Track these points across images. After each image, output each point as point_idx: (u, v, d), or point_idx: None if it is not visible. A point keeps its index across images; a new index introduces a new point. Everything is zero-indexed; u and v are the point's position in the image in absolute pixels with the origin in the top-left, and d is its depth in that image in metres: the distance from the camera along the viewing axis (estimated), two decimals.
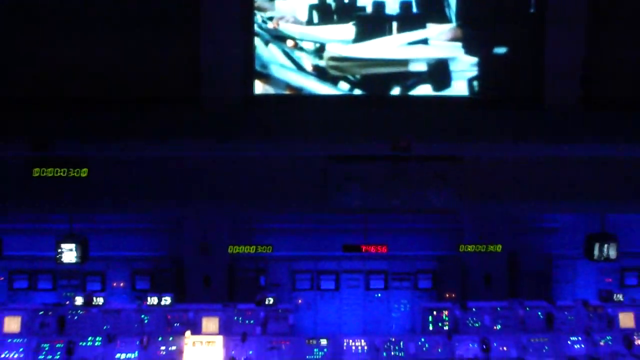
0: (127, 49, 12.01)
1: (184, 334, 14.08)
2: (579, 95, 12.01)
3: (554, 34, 12.09)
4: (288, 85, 13.06)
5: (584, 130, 11.84)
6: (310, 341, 14.08)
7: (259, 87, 13.02)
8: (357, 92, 13.00)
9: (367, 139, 11.40)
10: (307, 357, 13.73)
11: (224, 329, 14.64)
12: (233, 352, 13.67)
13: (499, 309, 15.49)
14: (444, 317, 15.29)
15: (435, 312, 15.40)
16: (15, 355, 13.67)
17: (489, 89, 12.92)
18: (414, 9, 12.75)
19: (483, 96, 12.87)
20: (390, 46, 12.72)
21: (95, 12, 12.04)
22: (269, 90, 12.95)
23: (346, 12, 12.62)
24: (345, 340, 14.13)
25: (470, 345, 14.20)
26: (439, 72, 12.92)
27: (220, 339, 13.99)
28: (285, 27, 12.68)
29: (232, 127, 11.53)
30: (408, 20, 12.82)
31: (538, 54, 12.19)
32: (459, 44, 12.90)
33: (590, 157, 12.18)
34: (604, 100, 12.18)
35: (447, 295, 17.63)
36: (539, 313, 15.37)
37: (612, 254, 13.25)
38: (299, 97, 12.83)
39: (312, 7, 12.66)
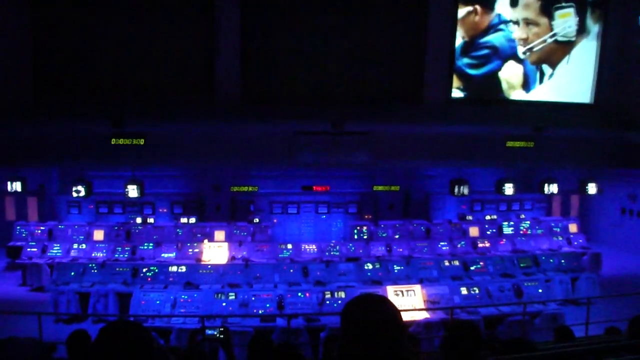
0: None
1: (203, 241, 14.21)
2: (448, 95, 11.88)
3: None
4: None
5: (448, 116, 11.80)
6: (282, 245, 14.11)
7: None
8: None
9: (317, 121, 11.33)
10: (279, 255, 13.70)
11: (228, 238, 14.80)
12: (234, 253, 13.72)
13: (397, 225, 15.76)
14: (363, 230, 15.50)
15: (358, 227, 15.62)
16: (101, 254, 13.76)
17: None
18: None
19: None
20: None
21: None
22: None
23: None
24: (302, 245, 14.19)
25: (380, 247, 14.33)
26: None
27: (225, 244, 14.07)
28: None
29: (233, 112, 11.27)
30: None
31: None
32: None
33: (452, 133, 12.19)
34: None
35: (366, 216, 17.83)
36: (422, 228, 15.67)
37: (465, 191, 13.31)
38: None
39: None
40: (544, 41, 11.95)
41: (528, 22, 11.83)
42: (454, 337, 3.32)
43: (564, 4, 11.81)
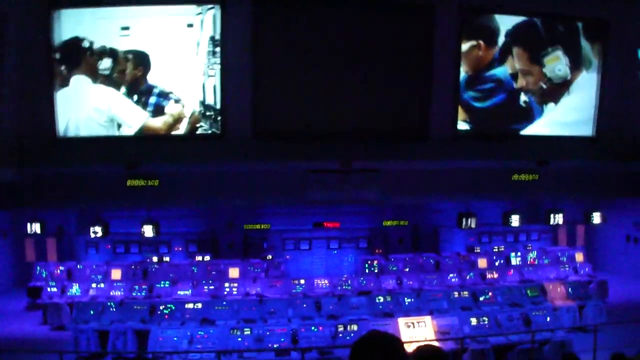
0: None
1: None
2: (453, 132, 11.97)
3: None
4: None
5: (455, 152, 11.97)
6: (294, 281, 14.12)
7: None
8: None
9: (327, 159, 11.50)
10: (292, 290, 13.68)
11: (242, 275, 14.85)
12: (248, 289, 13.74)
13: (407, 258, 15.80)
14: (374, 264, 15.55)
15: (369, 261, 15.69)
16: (118, 293, 13.83)
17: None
18: None
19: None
20: None
21: None
22: None
23: None
24: (315, 280, 14.19)
25: (390, 281, 14.32)
26: None
27: (240, 280, 14.16)
28: None
29: (244, 151, 11.41)
30: None
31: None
32: None
33: (459, 168, 12.33)
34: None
35: (377, 251, 17.90)
36: (431, 260, 15.70)
37: (473, 224, 13.42)
38: None
39: None
40: (541, 87, 12.13)
41: (524, 72, 12.00)
42: None
43: (549, 50, 11.95)
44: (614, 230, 18.29)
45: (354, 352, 2.15)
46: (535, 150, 12.24)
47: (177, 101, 11.17)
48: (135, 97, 11.14)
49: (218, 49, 10.98)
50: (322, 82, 11.34)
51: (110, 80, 10.97)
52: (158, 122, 11.23)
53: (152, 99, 11.14)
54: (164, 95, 11.15)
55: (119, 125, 11.21)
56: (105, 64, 10.90)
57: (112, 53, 10.86)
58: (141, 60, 10.96)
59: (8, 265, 17.88)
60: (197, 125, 11.31)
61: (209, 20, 10.88)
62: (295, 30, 11.19)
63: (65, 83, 10.96)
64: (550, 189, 12.94)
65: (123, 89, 11.06)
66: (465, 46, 11.63)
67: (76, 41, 10.81)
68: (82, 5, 10.66)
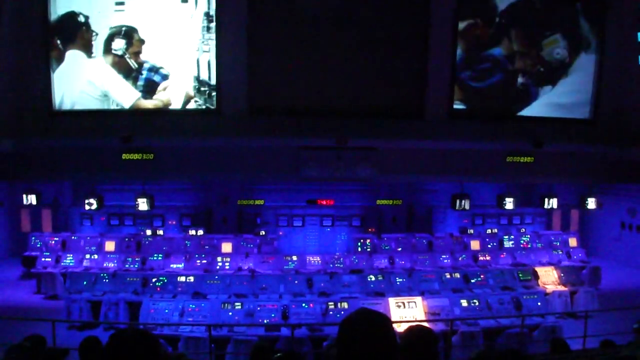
0: None
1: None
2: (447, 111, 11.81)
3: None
4: None
5: (451, 132, 11.83)
6: (287, 257, 14.15)
7: None
8: None
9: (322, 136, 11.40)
10: (284, 267, 13.72)
11: (235, 250, 14.91)
12: (240, 264, 13.77)
13: (400, 238, 15.82)
14: (367, 243, 15.59)
15: (362, 240, 15.71)
16: (112, 264, 13.91)
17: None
18: None
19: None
20: None
21: None
22: None
23: None
24: (307, 257, 14.22)
25: (383, 260, 14.36)
26: None
27: (232, 255, 14.21)
28: None
29: (239, 127, 11.33)
30: None
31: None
32: None
33: (453, 149, 12.27)
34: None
35: (369, 229, 17.95)
36: (424, 241, 15.71)
37: (467, 205, 13.35)
38: None
39: None
40: (539, 70, 11.98)
41: (521, 54, 11.81)
42: (406, 344, 3.26)
43: (547, 33, 11.80)
44: (609, 216, 18.35)
45: (342, 329, 2.15)
46: (531, 132, 12.12)
47: (165, 77, 11.07)
48: (127, 73, 11.09)
49: (213, 25, 10.86)
50: (318, 59, 11.22)
51: (122, 60, 10.93)
52: (149, 104, 11.20)
53: (144, 74, 11.06)
54: (155, 70, 11.05)
55: (114, 100, 11.15)
56: (118, 44, 10.84)
57: (127, 34, 10.84)
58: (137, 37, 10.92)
59: (4, 234, 18.04)
60: (192, 100, 11.23)
61: None
62: (290, 6, 11.07)
63: (60, 57, 10.92)
64: (545, 172, 12.87)
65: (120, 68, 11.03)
66: (462, 24, 11.44)
67: (72, 15, 10.76)
68: None
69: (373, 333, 2.09)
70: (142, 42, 10.92)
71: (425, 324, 8.95)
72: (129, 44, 10.90)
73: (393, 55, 11.47)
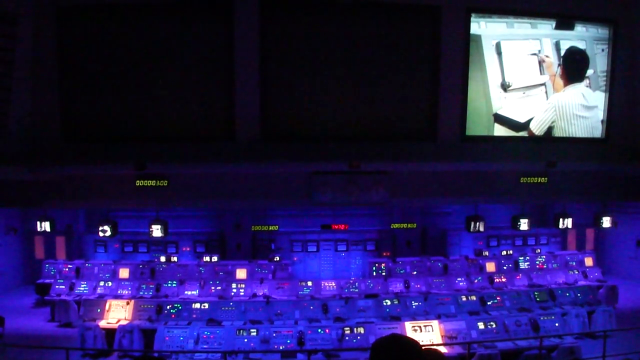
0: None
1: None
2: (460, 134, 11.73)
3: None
4: None
5: (461, 154, 11.73)
6: (302, 283, 14.10)
7: None
8: None
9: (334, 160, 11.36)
10: (299, 292, 13.68)
11: (250, 276, 14.86)
12: (255, 290, 13.76)
13: (415, 261, 15.68)
14: (382, 267, 15.45)
15: (376, 264, 15.58)
16: (126, 292, 13.90)
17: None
18: None
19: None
20: None
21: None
22: None
23: None
24: (322, 282, 14.16)
25: (398, 284, 14.28)
26: None
27: (247, 282, 14.17)
28: None
29: (252, 153, 11.27)
30: None
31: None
32: None
33: (466, 171, 12.19)
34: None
35: (384, 253, 17.84)
36: (439, 264, 15.57)
37: (481, 227, 13.23)
38: None
39: None
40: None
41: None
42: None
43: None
44: (624, 234, 18.13)
45: (374, 353, 2.13)
46: (545, 153, 12.04)
47: None
48: None
49: None
50: (330, 85, 11.26)
51: None
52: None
53: None
54: None
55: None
56: None
57: None
58: None
59: (18, 262, 18.06)
60: None
61: None
62: (301, 34, 11.12)
63: None
64: (559, 192, 12.78)
65: None
66: None
67: None
68: None
69: (404, 358, 2.08)
70: None
71: (441, 348, 8.87)
72: None
73: (405, 79, 11.46)
